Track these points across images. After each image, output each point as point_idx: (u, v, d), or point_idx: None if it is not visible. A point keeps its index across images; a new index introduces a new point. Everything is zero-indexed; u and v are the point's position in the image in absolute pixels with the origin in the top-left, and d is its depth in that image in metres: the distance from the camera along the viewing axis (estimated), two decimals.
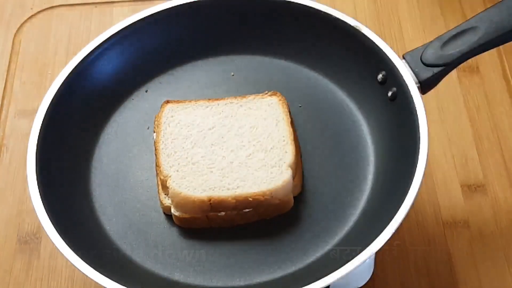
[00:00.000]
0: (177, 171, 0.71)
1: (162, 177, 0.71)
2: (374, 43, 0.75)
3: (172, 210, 0.70)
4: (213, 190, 0.69)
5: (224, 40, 0.82)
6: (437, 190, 0.83)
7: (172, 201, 0.70)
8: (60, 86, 0.74)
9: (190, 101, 0.76)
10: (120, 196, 0.73)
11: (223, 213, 0.69)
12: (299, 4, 0.78)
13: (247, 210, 0.69)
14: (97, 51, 0.76)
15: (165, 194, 0.71)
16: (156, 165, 0.72)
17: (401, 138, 0.71)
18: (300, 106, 0.79)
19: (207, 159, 0.71)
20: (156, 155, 0.73)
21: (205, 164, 0.71)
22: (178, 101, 0.76)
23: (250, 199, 0.68)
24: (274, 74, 0.81)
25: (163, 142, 0.73)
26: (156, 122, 0.75)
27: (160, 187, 0.72)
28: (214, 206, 0.68)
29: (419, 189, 0.65)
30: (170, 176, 0.70)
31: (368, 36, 0.75)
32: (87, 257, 0.64)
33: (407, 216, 0.64)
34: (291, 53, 0.81)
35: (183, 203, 0.69)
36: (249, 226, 0.71)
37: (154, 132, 0.75)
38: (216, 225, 0.70)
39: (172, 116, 0.75)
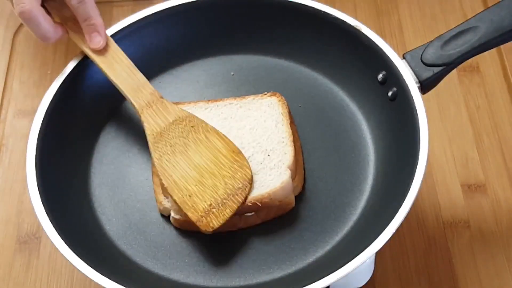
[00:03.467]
0: None
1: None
2: (374, 42, 0.74)
3: (172, 213, 0.70)
4: None
5: (224, 40, 0.82)
6: (437, 190, 0.83)
7: (172, 205, 0.69)
8: (60, 86, 0.74)
9: (189, 103, 0.76)
10: (119, 196, 0.73)
11: None
12: (299, 4, 0.78)
13: (248, 214, 0.69)
14: None
15: (165, 196, 0.71)
16: (154, 166, 0.72)
17: (401, 138, 0.71)
18: (300, 106, 0.79)
19: None
20: None
21: None
22: (177, 103, 0.75)
23: (250, 204, 0.68)
24: (274, 74, 0.81)
25: None
26: None
27: (158, 188, 0.71)
28: None
29: (419, 189, 0.65)
30: None
31: (368, 36, 0.75)
32: (86, 257, 0.64)
33: (407, 216, 0.64)
34: (291, 53, 0.81)
35: None
36: (249, 225, 0.70)
37: None
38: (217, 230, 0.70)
39: None
